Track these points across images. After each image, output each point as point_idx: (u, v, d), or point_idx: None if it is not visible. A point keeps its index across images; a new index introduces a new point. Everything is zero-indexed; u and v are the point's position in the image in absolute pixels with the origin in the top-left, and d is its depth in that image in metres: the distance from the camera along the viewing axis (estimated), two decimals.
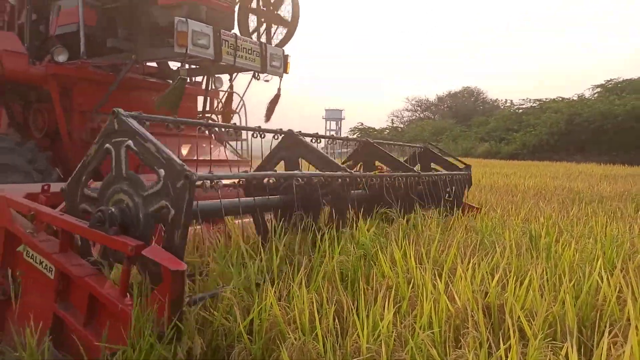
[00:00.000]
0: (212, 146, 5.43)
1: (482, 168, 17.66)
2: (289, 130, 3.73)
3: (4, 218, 2.70)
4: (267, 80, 5.01)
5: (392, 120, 45.39)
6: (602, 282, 2.33)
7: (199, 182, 2.26)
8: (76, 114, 4.71)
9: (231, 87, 4.89)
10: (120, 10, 4.83)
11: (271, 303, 2.10)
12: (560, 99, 35.91)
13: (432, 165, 5.37)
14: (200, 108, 6.02)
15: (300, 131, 3.81)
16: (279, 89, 5.16)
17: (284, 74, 5.07)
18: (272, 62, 4.88)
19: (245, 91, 5.04)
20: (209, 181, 2.34)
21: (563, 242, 3.30)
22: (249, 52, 4.64)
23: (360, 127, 47.02)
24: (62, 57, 4.48)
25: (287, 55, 5.04)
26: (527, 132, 33.44)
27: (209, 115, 5.99)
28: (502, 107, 41.41)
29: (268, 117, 5.34)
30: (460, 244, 3.15)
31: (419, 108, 43.07)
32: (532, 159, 29.62)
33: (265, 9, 5.15)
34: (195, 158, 4.88)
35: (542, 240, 3.48)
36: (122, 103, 5.04)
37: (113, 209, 2.34)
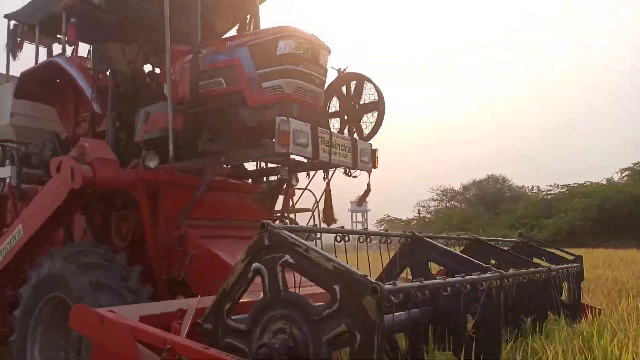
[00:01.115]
0: None
1: None
2: (412, 233, 3.45)
3: (127, 352, 2.29)
4: (355, 176, 4.80)
5: (419, 210, 45.51)
6: None
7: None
8: (162, 220, 4.49)
9: (328, 184, 4.67)
10: (207, 113, 4.78)
11: None
12: (589, 183, 35.67)
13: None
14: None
15: (420, 232, 3.54)
16: (368, 185, 4.93)
17: (373, 169, 4.87)
18: (362, 157, 4.69)
19: (328, 188, 4.79)
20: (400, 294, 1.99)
21: (618, 343, 2.89)
22: (342, 148, 4.47)
23: (387, 219, 46.95)
24: (153, 163, 4.34)
25: (376, 149, 4.87)
26: (559, 218, 32.84)
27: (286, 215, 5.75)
28: (529, 193, 41.15)
29: (359, 204, 5.10)
30: None
31: (445, 197, 43.15)
32: (568, 245, 28.68)
33: (352, 103, 5.07)
34: None
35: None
36: (208, 207, 4.89)
37: (278, 342, 1.99)
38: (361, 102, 5.16)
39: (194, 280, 4.28)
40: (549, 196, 37.46)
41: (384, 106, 4.98)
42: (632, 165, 36.86)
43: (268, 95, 4.38)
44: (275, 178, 4.22)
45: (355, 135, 4.98)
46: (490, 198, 40.67)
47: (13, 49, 6.56)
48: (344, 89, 5.19)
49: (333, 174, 4.65)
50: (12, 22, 6.48)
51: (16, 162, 5.54)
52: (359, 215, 56.71)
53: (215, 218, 4.90)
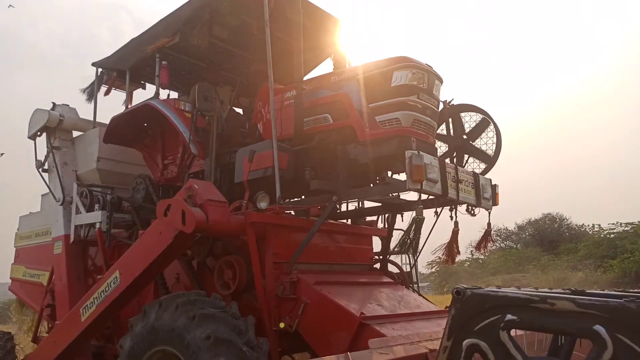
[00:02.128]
0: (406, 294, 4.70)
1: None
2: None
3: None
4: (474, 215, 4.38)
5: (472, 251, 43.75)
6: None
7: None
8: (270, 266, 4.16)
9: (456, 224, 4.27)
10: (312, 150, 4.53)
11: None
12: None
13: None
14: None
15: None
16: (489, 224, 4.51)
17: (494, 206, 4.45)
18: (484, 194, 4.30)
19: (456, 228, 4.38)
20: None
21: None
22: (467, 184, 4.10)
23: (437, 260, 44.81)
24: (264, 204, 4.06)
25: (496, 185, 4.47)
26: (625, 258, 30.80)
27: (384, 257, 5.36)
28: (590, 232, 38.99)
29: (478, 248, 4.65)
30: None
31: (498, 238, 41.45)
32: (637, 287, 26.89)
33: (464, 138, 4.73)
34: (400, 312, 4.13)
35: None
36: (313, 250, 4.56)
37: None
38: (467, 131, 4.82)
39: (309, 331, 3.90)
40: (612, 235, 35.38)
41: (496, 160, 4.63)
42: None
43: (383, 130, 4.09)
44: (412, 217, 3.85)
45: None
46: (548, 238, 38.76)
47: (92, 94, 6.60)
48: (450, 120, 4.86)
49: (455, 210, 4.24)
50: (99, 70, 6.55)
51: (107, 207, 5.39)
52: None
53: (320, 262, 4.56)
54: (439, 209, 4.30)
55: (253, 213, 4.06)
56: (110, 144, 6.02)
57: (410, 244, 3.95)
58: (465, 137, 4.78)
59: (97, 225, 5.45)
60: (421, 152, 3.64)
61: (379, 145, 4.11)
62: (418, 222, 3.83)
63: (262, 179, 4.42)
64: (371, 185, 4.41)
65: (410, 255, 5.10)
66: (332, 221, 5.03)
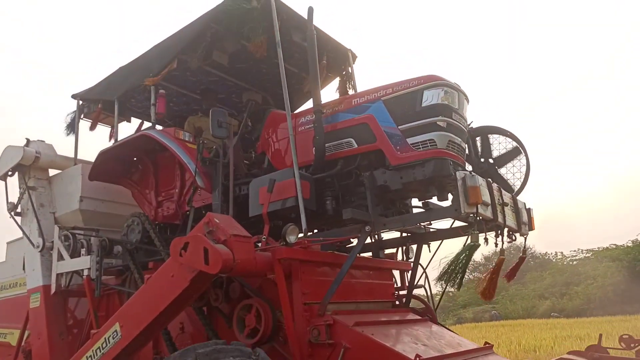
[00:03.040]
0: (440, 331, 4.32)
1: (550, 331, 15.89)
2: None
3: None
4: (513, 240, 4.08)
5: (441, 284, 43.30)
6: None
7: None
8: (299, 307, 3.69)
9: (502, 252, 3.91)
10: (336, 178, 4.17)
11: None
12: (614, 246, 34.62)
13: None
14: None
15: None
16: (524, 250, 4.22)
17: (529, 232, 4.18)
18: (522, 219, 4.03)
19: (502, 256, 4.04)
20: None
21: None
22: (510, 208, 3.82)
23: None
24: (294, 237, 3.64)
25: (530, 209, 4.22)
26: (589, 284, 31.40)
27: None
28: (554, 260, 39.85)
29: (510, 277, 4.32)
30: None
31: (467, 270, 41.65)
32: (603, 313, 27.48)
33: (489, 162, 4.48)
34: (448, 352, 3.74)
35: None
36: (341, 289, 4.11)
37: None
38: (494, 155, 4.58)
39: None
40: (574, 262, 36.17)
41: (529, 170, 4.40)
42: None
43: (417, 152, 3.79)
44: (466, 244, 3.50)
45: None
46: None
47: (74, 128, 6.07)
48: (478, 141, 4.62)
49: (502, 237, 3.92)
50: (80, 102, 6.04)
51: (97, 251, 4.79)
52: None
53: (346, 301, 4.13)
54: (481, 235, 3.97)
55: (282, 248, 3.62)
56: (97, 181, 5.47)
57: (457, 274, 3.60)
58: (492, 161, 4.53)
59: (85, 273, 4.82)
60: (474, 174, 3.35)
61: (413, 169, 3.80)
62: (472, 250, 3.49)
63: (279, 212, 4.02)
64: (406, 212, 4.09)
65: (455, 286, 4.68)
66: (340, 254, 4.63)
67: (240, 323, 3.90)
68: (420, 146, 3.79)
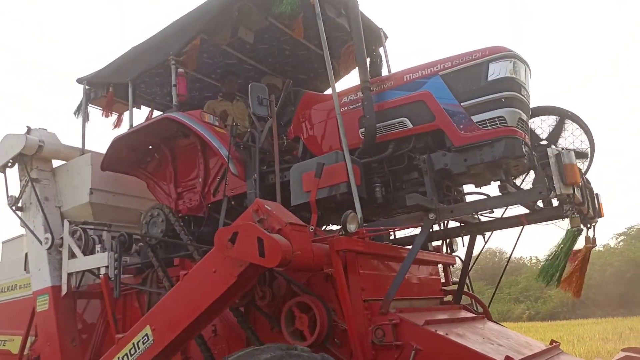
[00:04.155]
0: (503, 329, 3.97)
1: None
2: None
3: None
4: (590, 227, 3.71)
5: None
6: None
7: None
8: (359, 306, 3.28)
9: (594, 241, 3.54)
10: (388, 162, 3.78)
11: None
12: None
13: None
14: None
15: None
16: (594, 240, 3.84)
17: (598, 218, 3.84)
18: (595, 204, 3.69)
19: (590, 244, 3.65)
20: None
21: None
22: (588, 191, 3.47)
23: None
24: (354, 226, 3.23)
25: (597, 194, 3.87)
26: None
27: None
28: (528, 264, 40.06)
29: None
30: None
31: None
32: (575, 317, 27.93)
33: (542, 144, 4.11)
34: (528, 353, 3.37)
35: None
36: (402, 284, 3.72)
37: None
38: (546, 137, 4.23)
39: None
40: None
41: (590, 131, 4.02)
42: (625, 230, 36.64)
43: (484, 131, 3.43)
44: (568, 230, 3.12)
45: None
46: (490, 272, 39.22)
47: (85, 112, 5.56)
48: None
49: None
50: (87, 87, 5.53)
51: (115, 247, 4.31)
52: None
53: (400, 297, 3.73)
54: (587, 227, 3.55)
55: (342, 239, 3.21)
56: (109, 171, 4.99)
57: (558, 268, 3.23)
58: (544, 142, 4.16)
59: (102, 271, 4.35)
60: (568, 149, 2.99)
61: (480, 150, 3.43)
62: (575, 237, 3.13)
63: (332, 199, 3.63)
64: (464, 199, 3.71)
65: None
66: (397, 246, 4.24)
67: (289, 324, 3.47)
68: (488, 124, 3.43)
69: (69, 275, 4.71)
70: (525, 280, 35.03)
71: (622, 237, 36.53)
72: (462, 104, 3.53)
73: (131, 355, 3.58)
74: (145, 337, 3.54)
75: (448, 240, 4.72)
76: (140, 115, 6.14)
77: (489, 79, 3.48)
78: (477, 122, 3.46)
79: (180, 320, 3.35)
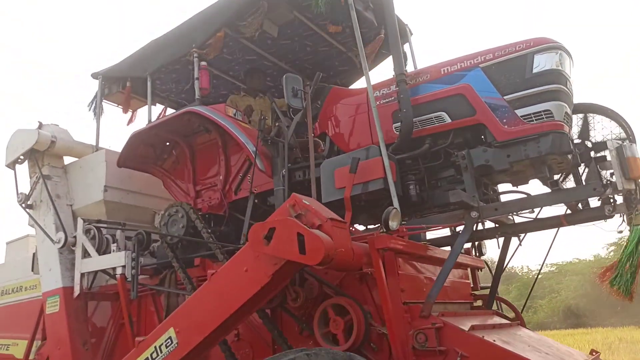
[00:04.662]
0: (540, 337, 3.78)
1: None
2: None
3: None
4: (620, 231, 3.54)
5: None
6: None
7: None
8: (398, 307, 3.09)
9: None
10: (423, 158, 3.61)
11: None
12: (577, 260, 34.80)
13: None
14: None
15: None
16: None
17: None
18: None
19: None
20: None
21: None
22: None
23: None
24: (395, 223, 3.05)
25: None
26: (552, 298, 31.51)
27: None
28: (519, 273, 39.91)
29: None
30: None
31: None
32: (565, 326, 27.76)
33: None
34: None
35: None
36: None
37: None
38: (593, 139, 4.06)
39: None
40: (539, 276, 36.22)
41: (631, 129, 3.85)
42: (616, 241, 36.51)
43: (530, 125, 3.26)
44: (635, 227, 2.94)
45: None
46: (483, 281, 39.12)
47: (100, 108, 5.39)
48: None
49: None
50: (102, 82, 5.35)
51: (133, 246, 4.11)
52: None
53: (438, 301, 3.53)
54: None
55: (383, 236, 3.02)
56: (126, 167, 4.80)
57: (633, 273, 3.05)
58: (589, 144, 3.97)
59: (119, 271, 4.14)
60: (631, 142, 2.83)
61: (524, 145, 3.26)
62: None
63: (366, 197, 3.45)
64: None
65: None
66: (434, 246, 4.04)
67: (321, 327, 3.27)
68: (534, 118, 3.26)
69: (82, 275, 4.50)
70: (517, 289, 34.88)
71: (612, 248, 36.41)
72: (505, 97, 3.37)
73: (153, 359, 3.38)
74: (169, 340, 3.33)
75: (477, 242, 4.54)
76: (153, 112, 5.99)
77: (534, 71, 3.32)
78: (521, 116, 3.29)
79: (207, 323, 3.14)
